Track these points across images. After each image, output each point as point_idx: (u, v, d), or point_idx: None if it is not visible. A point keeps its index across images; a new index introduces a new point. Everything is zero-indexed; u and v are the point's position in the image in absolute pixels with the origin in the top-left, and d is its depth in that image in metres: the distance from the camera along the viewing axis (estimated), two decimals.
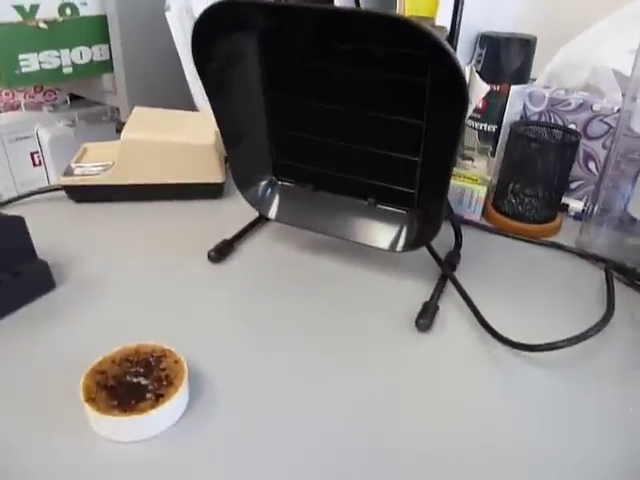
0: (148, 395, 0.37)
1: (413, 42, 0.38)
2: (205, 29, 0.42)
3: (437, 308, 0.48)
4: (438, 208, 0.46)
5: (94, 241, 0.58)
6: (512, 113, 0.66)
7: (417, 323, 0.47)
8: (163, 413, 0.36)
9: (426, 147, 0.45)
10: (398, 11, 0.61)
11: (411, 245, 0.50)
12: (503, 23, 0.67)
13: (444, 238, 0.57)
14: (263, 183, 0.55)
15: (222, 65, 0.45)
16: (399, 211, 0.51)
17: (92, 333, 0.45)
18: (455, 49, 0.44)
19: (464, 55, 0.66)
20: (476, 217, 0.66)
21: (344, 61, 0.44)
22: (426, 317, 0.47)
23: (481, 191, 0.65)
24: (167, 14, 0.71)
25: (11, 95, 1.09)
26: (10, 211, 0.63)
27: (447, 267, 0.53)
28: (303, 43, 0.45)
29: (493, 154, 0.68)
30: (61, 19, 0.75)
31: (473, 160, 0.70)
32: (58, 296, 0.49)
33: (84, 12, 0.77)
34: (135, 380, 0.38)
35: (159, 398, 0.36)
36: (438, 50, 0.35)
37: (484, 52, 0.64)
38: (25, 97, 1.08)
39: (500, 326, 0.46)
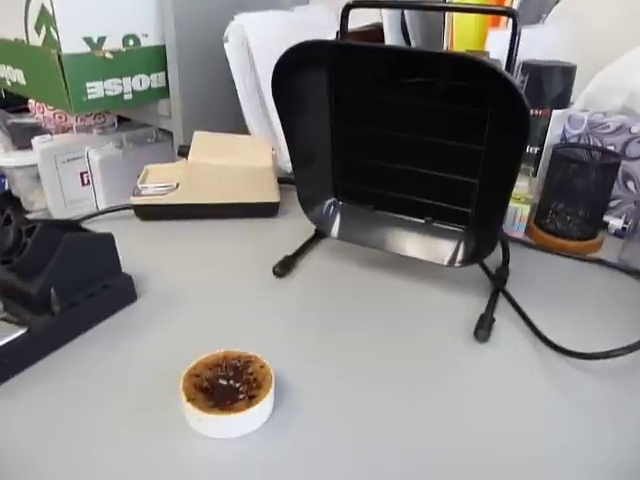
0: (241, 396, 0.40)
1: (477, 77, 0.42)
2: (283, 68, 0.46)
3: (493, 319, 0.51)
4: (495, 226, 0.49)
5: (164, 256, 0.63)
6: (553, 136, 0.69)
7: (476, 334, 0.50)
8: (257, 412, 0.39)
9: (485, 170, 0.49)
10: (446, 45, 0.65)
11: (468, 260, 0.53)
12: (542, 52, 0.71)
13: (491, 255, 0.61)
14: (326, 204, 0.59)
15: (296, 97, 0.50)
16: (455, 229, 0.55)
17: (177, 341, 0.49)
18: None
19: None
20: (520, 234, 0.69)
21: (408, 94, 0.48)
22: (484, 328, 0.50)
23: (525, 210, 0.68)
24: (225, 45, 0.76)
25: (64, 118, 1.15)
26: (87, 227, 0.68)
27: (499, 281, 0.57)
28: (369, 78, 0.49)
29: (535, 174, 0.72)
30: (124, 49, 0.80)
31: None
32: (140, 308, 0.54)
33: (145, 43, 0.83)
34: (227, 383, 0.42)
35: (252, 399, 0.40)
36: (507, 86, 0.39)
37: (526, 79, 0.67)
38: (77, 120, 1.14)
39: (552, 337, 0.49)
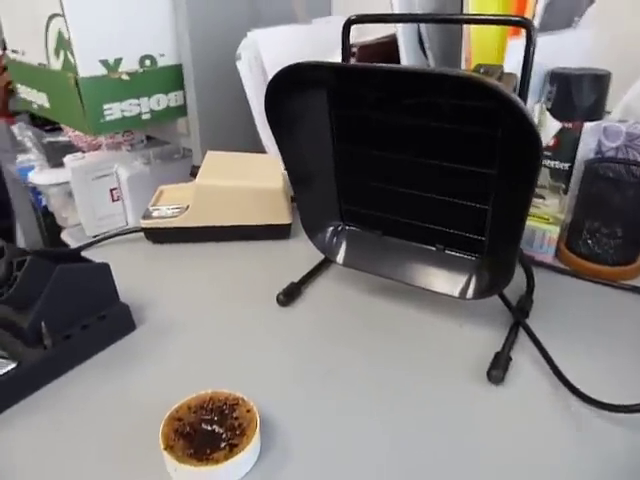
0: (222, 444, 0.38)
1: (483, 97, 0.38)
2: (277, 88, 0.44)
3: (510, 359, 0.47)
4: (511, 256, 0.45)
5: (169, 282, 0.61)
6: (586, 150, 0.64)
7: (489, 375, 0.45)
8: (236, 464, 0.37)
9: (497, 195, 0.45)
10: (464, 56, 0.61)
11: (482, 293, 0.49)
12: (575, 58, 0.65)
13: (515, 280, 0.56)
14: (331, 229, 0.56)
15: (292, 118, 0.47)
16: (468, 257, 0.51)
17: (170, 377, 0.47)
18: (526, 98, 0.43)
19: (533, 93, 0.65)
20: (548, 259, 0.64)
21: (413, 114, 0.45)
22: (498, 368, 0.45)
23: (553, 231, 0.63)
24: (238, 63, 0.74)
25: (94, 137, 1.17)
26: (94, 251, 0.68)
27: (519, 314, 0.52)
28: (371, 98, 0.46)
29: (566, 192, 0.66)
30: (141, 70, 0.80)
31: (544, 198, 0.68)
32: (138, 338, 0.52)
33: (162, 63, 0.82)
34: (210, 428, 0.39)
35: (233, 448, 0.37)
36: (510, 106, 0.35)
37: (554, 89, 0.62)
38: (106, 138, 1.16)
39: (578, 380, 0.44)
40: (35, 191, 1.39)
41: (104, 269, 0.50)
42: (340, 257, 0.56)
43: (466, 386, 0.46)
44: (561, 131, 0.62)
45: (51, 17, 0.74)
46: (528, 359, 0.48)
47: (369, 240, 0.55)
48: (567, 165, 0.64)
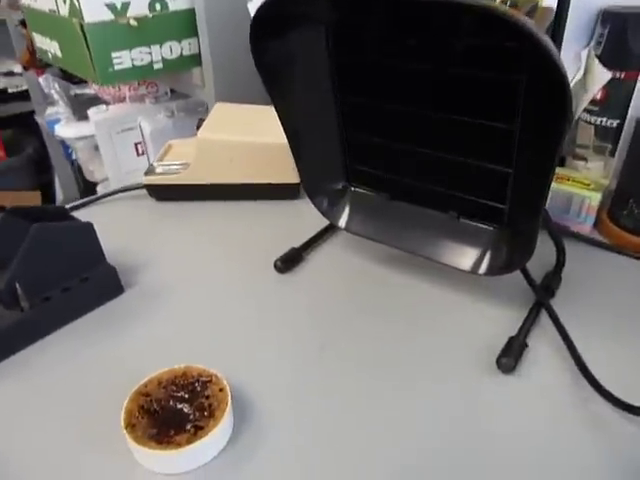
0: (188, 426, 0.35)
1: (505, 34, 0.31)
2: (264, 24, 0.38)
3: (525, 345, 0.41)
4: (532, 229, 0.38)
5: (167, 244, 0.58)
6: None
7: (498, 362, 0.40)
8: (199, 449, 0.33)
9: (519, 157, 0.38)
10: None
11: (499, 269, 0.43)
12: None
13: (545, 253, 0.49)
14: (334, 189, 0.51)
15: (283, 61, 0.41)
16: (486, 227, 0.44)
17: (151, 345, 0.44)
18: (561, 39, 0.35)
19: (580, 36, 0.55)
20: (587, 229, 0.56)
21: (422, 58, 0.38)
22: (510, 355, 0.40)
23: (594, 198, 0.55)
24: (249, 5, 0.68)
25: (118, 88, 1.14)
26: (94, 208, 0.66)
27: (543, 293, 0.45)
28: (376, 37, 0.39)
29: (613, 154, 0.57)
30: (151, 15, 0.75)
31: (587, 160, 0.59)
32: (126, 302, 0.49)
33: (173, 7, 0.77)
34: (178, 406, 0.36)
35: (198, 431, 0.34)
36: (533, 44, 0.28)
37: (606, 32, 0.53)
38: (130, 90, 1.12)
39: (605, 374, 0.38)
40: (64, 144, 1.39)
41: (87, 228, 0.47)
42: (343, 221, 0.50)
43: (471, 373, 0.40)
44: (611, 82, 0.53)
45: None
46: (549, 347, 0.42)
47: (376, 204, 0.49)
48: (616, 122, 0.55)
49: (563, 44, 0.55)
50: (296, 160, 0.47)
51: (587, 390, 0.38)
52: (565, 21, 0.35)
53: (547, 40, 0.29)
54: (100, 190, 1.29)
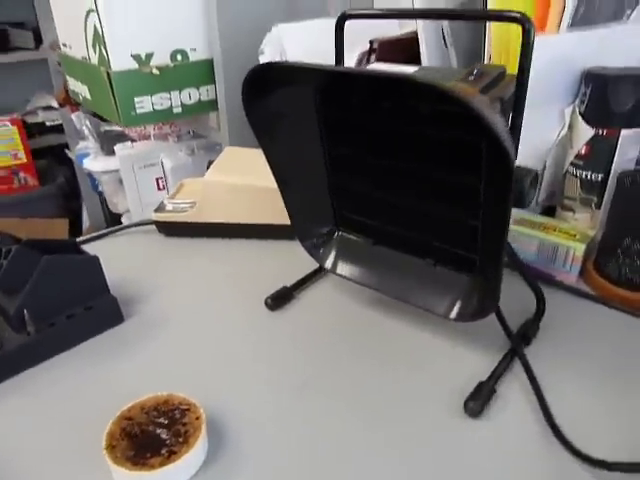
0: (163, 450, 0.37)
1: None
2: (254, 86, 0.42)
3: (493, 391, 0.42)
4: (495, 278, 0.40)
5: (170, 277, 0.62)
6: (624, 160, 0.56)
7: (466, 406, 0.41)
8: (170, 472, 0.36)
9: (485, 211, 0.40)
10: (487, 52, 0.56)
11: (470, 315, 0.45)
12: (621, 58, 0.58)
13: (527, 301, 0.51)
14: (322, 232, 0.54)
15: (273, 117, 0.45)
16: (460, 275, 0.46)
17: (143, 374, 0.47)
18: (522, 104, 0.38)
19: (565, 95, 0.58)
20: (572, 279, 0.57)
21: (398, 117, 0.41)
22: (477, 400, 0.41)
23: (578, 249, 0.56)
24: (261, 58, 0.73)
25: (143, 127, 1.21)
26: (106, 242, 0.70)
27: (518, 340, 0.47)
28: (358, 99, 0.43)
29: (598, 206, 0.59)
30: (172, 65, 0.82)
31: (574, 212, 0.61)
32: (124, 331, 0.53)
33: (193, 57, 0.83)
34: (157, 431, 0.39)
35: (171, 455, 0.37)
36: (476, 117, 0.31)
37: (589, 91, 0.56)
38: (154, 129, 1.19)
39: (575, 427, 0.39)
40: (92, 177, 1.47)
41: (93, 261, 0.51)
42: (329, 263, 0.53)
43: (440, 416, 0.42)
44: (594, 138, 0.56)
45: (88, 12, 0.77)
46: (520, 394, 0.43)
47: (360, 248, 0.52)
48: (600, 176, 0.57)
49: (547, 102, 0.58)
50: (286, 205, 0.51)
51: (554, 443, 0.38)
52: (526, 88, 0.38)
53: (490, 117, 0.32)
54: (125, 221, 1.35)
